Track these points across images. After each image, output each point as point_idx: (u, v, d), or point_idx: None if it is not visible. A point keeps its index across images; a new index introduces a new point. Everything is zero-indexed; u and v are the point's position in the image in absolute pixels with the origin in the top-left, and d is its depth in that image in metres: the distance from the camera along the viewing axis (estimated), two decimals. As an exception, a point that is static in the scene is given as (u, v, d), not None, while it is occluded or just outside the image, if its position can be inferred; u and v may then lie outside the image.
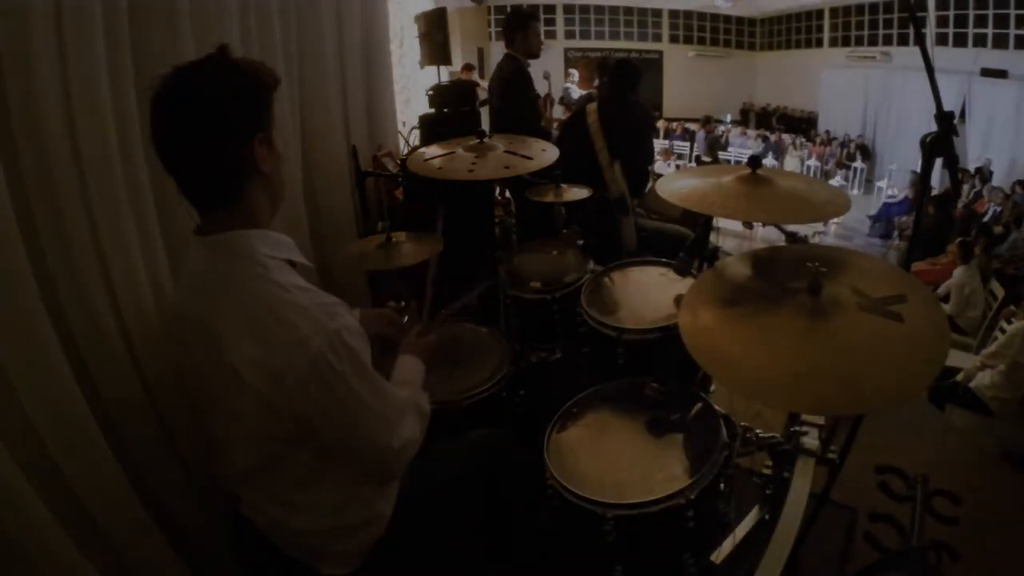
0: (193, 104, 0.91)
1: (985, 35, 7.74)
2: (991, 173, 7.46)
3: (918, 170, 1.18)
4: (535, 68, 3.36)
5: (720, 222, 2.72)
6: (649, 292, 1.76)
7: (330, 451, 1.05)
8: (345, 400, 0.98)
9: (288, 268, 1.03)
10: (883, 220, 8.23)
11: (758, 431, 1.44)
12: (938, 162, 1.14)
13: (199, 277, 1.03)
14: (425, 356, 1.36)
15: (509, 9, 10.66)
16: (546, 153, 1.83)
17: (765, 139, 10.79)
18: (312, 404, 0.95)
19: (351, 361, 0.97)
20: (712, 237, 3.06)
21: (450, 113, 3.09)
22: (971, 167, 7.80)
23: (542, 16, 10.67)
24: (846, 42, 10.34)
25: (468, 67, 6.98)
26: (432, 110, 3.12)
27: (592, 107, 2.79)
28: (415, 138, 3.22)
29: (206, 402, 1.07)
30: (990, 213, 6.87)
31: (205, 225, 1.01)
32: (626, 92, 2.81)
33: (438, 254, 1.69)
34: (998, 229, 6.18)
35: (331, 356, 0.94)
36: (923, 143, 1.11)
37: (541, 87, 3.91)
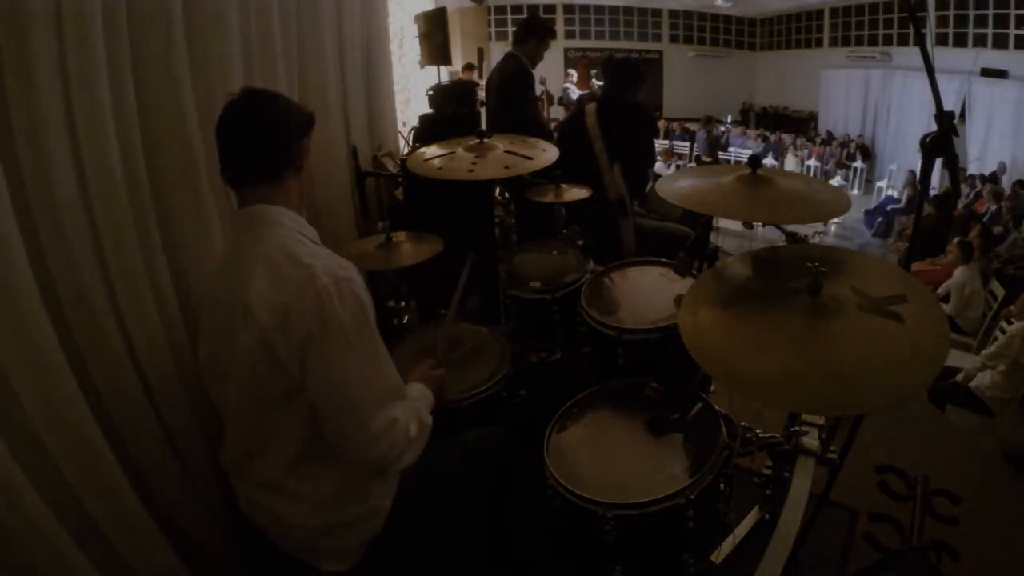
0: (266, 108, 1.12)
1: (985, 35, 7.75)
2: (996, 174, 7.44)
3: (917, 170, 1.18)
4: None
5: (720, 222, 2.72)
6: (649, 292, 1.76)
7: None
8: (339, 353, 1.01)
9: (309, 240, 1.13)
10: (882, 217, 8.21)
11: (758, 431, 1.44)
12: (938, 162, 1.14)
13: (229, 254, 1.17)
14: (434, 387, 1.34)
15: (525, 9, 10.71)
16: (546, 153, 1.83)
17: (765, 139, 10.79)
18: (309, 341, 0.99)
19: (354, 312, 1.02)
20: (712, 237, 3.06)
21: (450, 113, 3.09)
22: (975, 171, 7.80)
23: (542, 14, 10.69)
24: (846, 42, 10.35)
25: (469, 67, 6.97)
26: (432, 110, 3.12)
27: (591, 107, 2.78)
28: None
29: (221, 375, 1.13)
30: (990, 213, 6.87)
31: (241, 201, 1.14)
32: (625, 92, 2.78)
33: (470, 262, 1.65)
34: (998, 229, 6.18)
35: (336, 298, 1.01)
36: (923, 143, 1.11)
37: (536, 90, 3.94)
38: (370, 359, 1.06)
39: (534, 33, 3.21)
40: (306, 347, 1.00)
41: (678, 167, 9.74)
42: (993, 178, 7.33)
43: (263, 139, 1.12)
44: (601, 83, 4.10)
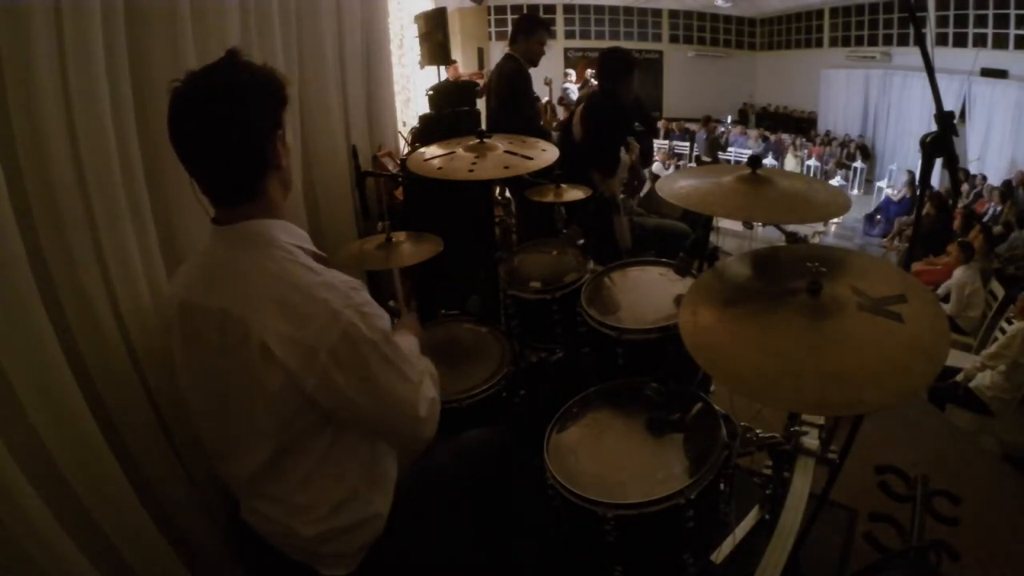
0: (221, 106, 0.94)
1: (985, 35, 7.75)
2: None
3: (917, 170, 1.18)
4: (536, 74, 3.37)
5: (720, 222, 2.71)
6: (649, 292, 1.76)
7: (343, 438, 1.06)
8: (378, 369, 1.01)
9: (305, 255, 1.06)
10: (883, 217, 8.18)
11: (758, 431, 1.44)
12: (938, 162, 1.14)
13: (216, 267, 1.04)
14: (415, 332, 1.41)
15: (524, 8, 10.69)
16: (546, 153, 1.83)
17: (765, 139, 10.79)
18: (346, 376, 0.97)
19: (378, 327, 1.01)
20: (712, 237, 3.06)
21: (448, 113, 3.10)
22: (975, 170, 7.77)
23: (542, 14, 10.67)
24: (846, 42, 10.35)
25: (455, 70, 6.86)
26: (431, 111, 3.13)
27: (578, 110, 2.80)
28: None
29: (217, 398, 1.06)
30: (990, 213, 6.86)
31: (223, 216, 1.03)
32: (610, 85, 2.69)
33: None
34: (998, 229, 6.17)
35: (362, 325, 0.98)
36: (923, 143, 1.11)
37: (542, 93, 3.93)
38: (400, 357, 1.06)
39: (522, 30, 3.17)
40: (346, 390, 0.98)
41: (678, 167, 9.73)
42: (1008, 186, 7.24)
43: (229, 158, 0.97)
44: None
